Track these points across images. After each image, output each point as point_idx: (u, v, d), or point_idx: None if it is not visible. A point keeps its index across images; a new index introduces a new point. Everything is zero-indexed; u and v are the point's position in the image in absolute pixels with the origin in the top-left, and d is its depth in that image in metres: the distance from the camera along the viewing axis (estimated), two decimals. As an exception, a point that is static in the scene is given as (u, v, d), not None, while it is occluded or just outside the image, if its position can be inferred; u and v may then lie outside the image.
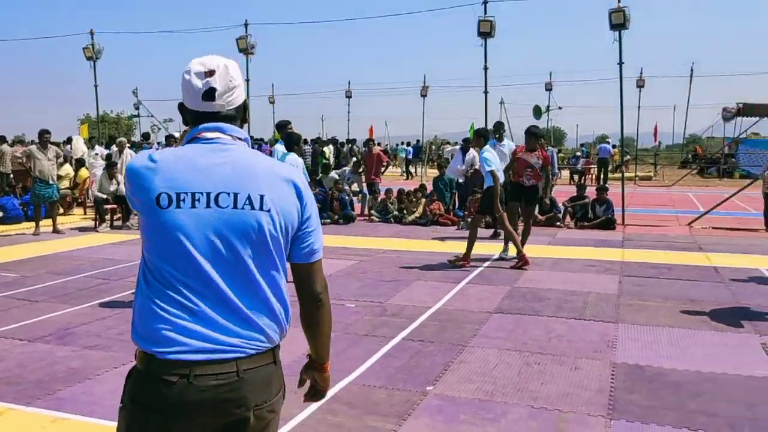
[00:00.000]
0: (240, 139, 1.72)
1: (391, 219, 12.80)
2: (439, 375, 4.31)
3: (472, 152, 13.40)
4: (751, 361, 4.56)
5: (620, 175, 27.25)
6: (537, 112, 24.60)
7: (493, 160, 8.19)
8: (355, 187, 14.24)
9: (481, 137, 8.59)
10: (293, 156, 6.86)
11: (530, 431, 3.48)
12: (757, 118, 28.74)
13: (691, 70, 33.97)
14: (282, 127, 7.98)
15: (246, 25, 16.64)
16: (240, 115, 1.77)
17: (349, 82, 35.57)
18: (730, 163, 28.59)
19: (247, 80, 17.02)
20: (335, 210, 12.71)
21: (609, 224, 11.54)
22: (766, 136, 33.72)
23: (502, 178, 8.25)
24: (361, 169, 14.23)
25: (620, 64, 11.78)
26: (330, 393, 3.92)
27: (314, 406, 3.75)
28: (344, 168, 15.01)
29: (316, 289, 1.79)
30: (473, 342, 5.03)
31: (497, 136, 10.37)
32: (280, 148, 7.31)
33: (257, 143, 22.57)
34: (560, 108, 27.71)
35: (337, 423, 3.58)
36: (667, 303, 6.20)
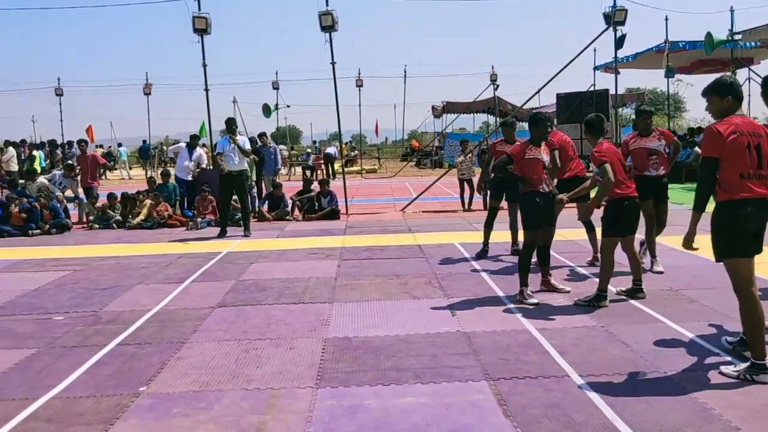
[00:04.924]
0: None
1: (114, 224, 11.98)
2: (154, 374, 4.23)
3: (198, 150, 13.18)
4: (439, 322, 5.29)
5: (352, 168, 29.27)
6: (266, 110, 25.01)
7: None
8: (69, 192, 12.99)
9: None
10: None
11: (242, 411, 3.62)
12: (457, 115, 32.97)
13: (405, 72, 37.54)
14: None
15: None
16: None
17: (59, 79, 32.10)
18: (440, 154, 32.29)
19: None
20: (45, 219, 11.46)
21: (333, 214, 12.30)
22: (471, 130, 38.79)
23: None
24: (73, 173, 13.00)
25: (333, 64, 12.60)
26: (27, 411, 3.64)
27: (3, 429, 3.42)
28: (54, 172, 13.58)
29: None
30: (193, 338, 5.02)
31: (230, 131, 10.48)
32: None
33: None
34: (288, 106, 28.53)
35: (34, 441, 3.32)
36: (377, 279, 6.87)
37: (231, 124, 10.61)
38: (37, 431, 3.42)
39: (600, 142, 5.72)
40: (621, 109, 33.47)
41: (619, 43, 14.22)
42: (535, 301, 5.75)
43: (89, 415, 3.60)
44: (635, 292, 5.81)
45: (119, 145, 33.28)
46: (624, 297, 5.81)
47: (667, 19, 20.27)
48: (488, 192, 8.45)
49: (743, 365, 3.91)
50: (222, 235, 10.35)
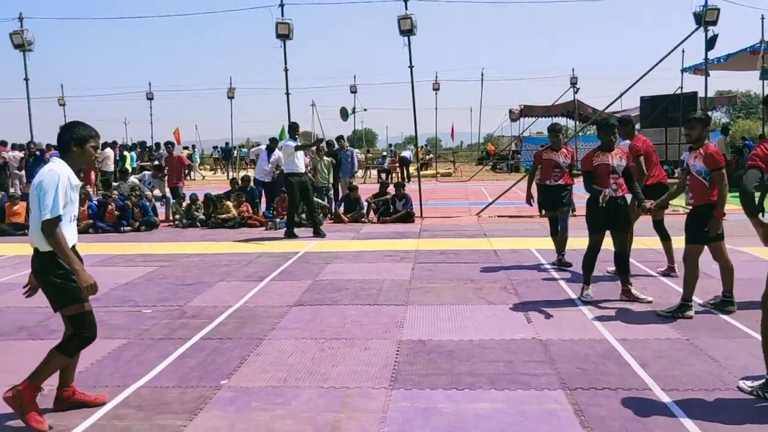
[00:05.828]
0: None
1: (198, 223, 12.49)
2: (234, 369, 4.38)
3: (277, 153, 13.55)
4: (515, 328, 5.22)
5: (427, 172, 29.28)
6: (344, 113, 25.31)
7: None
8: (157, 192, 13.64)
9: None
10: None
11: (318, 408, 3.70)
12: (535, 118, 32.33)
13: (482, 75, 37.20)
14: None
15: (21, 18, 15.16)
16: None
17: (150, 83, 33.78)
18: (516, 158, 31.78)
19: (26, 80, 15.55)
20: (136, 217, 12.10)
21: (408, 218, 12.35)
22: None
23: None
24: (161, 174, 13.65)
25: (411, 67, 12.67)
26: (117, 398, 3.85)
27: (98, 414, 3.65)
28: (144, 173, 14.30)
29: None
30: (271, 335, 5.17)
31: (295, 136, 10.76)
32: None
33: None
34: (365, 110, 28.77)
35: (124, 427, 3.50)
36: (451, 284, 6.85)
37: (293, 128, 10.88)
38: (128, 418, 3.62)
39: (706, 144, 5.36)
40: (711, 113, 31.89)
41: (711, 43, 13.59)
42: (586, 301, 5.96)
43: (175, 405, 3.77)
44: (725, 304, 5.52)
45: (192, 147, 34.61)
46: (711, 309, 5.55)
47: (762, 18, 19.17)
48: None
49: None
50: (289, 236, 10.52)
